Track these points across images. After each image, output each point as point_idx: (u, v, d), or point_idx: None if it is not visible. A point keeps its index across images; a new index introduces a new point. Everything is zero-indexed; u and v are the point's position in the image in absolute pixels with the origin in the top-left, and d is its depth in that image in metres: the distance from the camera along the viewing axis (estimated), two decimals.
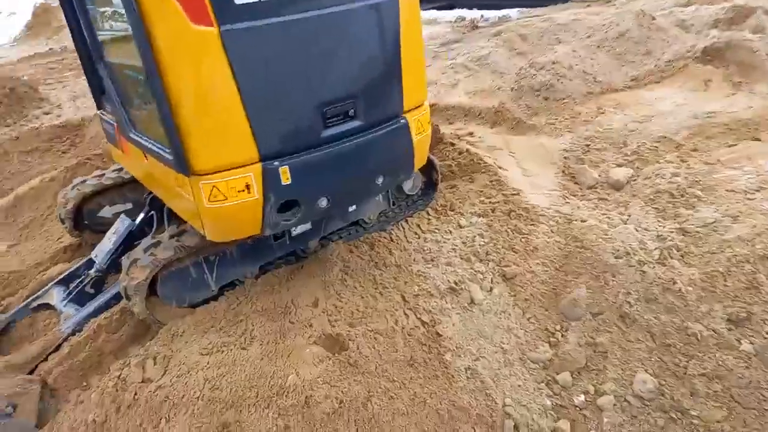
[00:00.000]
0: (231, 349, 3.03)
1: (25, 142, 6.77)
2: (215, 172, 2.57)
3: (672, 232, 3.60)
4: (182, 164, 2.55)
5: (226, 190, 2.62)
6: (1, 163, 6.49)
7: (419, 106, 3.22)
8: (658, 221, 3.77)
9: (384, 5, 2.78)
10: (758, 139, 4.62)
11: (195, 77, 2.42)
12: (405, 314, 3.33)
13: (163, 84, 2.39)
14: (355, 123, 2.91)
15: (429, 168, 4.42)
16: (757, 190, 3.80)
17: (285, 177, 2.68)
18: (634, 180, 4.34)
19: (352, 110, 2.87)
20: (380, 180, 3.20)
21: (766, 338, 2.87)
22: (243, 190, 2.63)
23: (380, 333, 3.13)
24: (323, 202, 2.95)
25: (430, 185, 4.52)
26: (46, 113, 8.15)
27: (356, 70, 2.82)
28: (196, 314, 3.32)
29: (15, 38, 15.61)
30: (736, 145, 4.55)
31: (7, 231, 5.02)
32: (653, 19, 7.58)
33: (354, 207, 4.24)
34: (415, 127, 3.20)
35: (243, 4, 2.37)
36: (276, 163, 2.66)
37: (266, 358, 2.97)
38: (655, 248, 3.48)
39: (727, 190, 3.83)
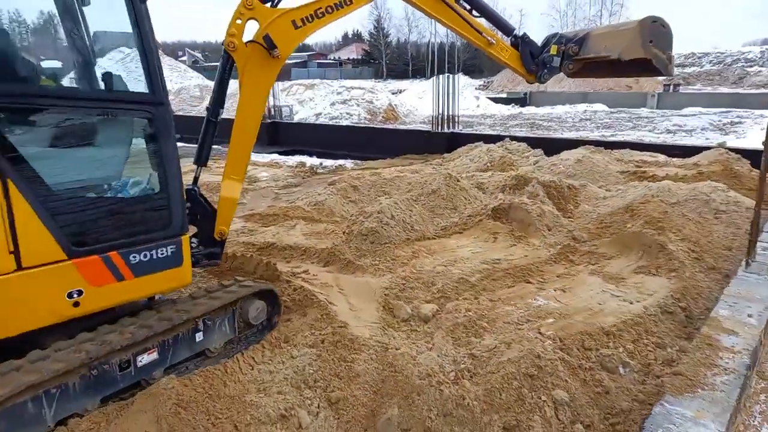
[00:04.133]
0: None
1: None
2: None
3: (465, 357, 4.42)
4: None
5: None
6: None
7: None
8: (455, 348, 4.58)
9: None
10: (529, 282, 5.91)
11: None
12: None
13: None
14: None
15: (272, 301, 4.87)
16: (526, 322, 4.88)
17: None
18: (439, 314, 5.23)
19: None
20: None
21: None
22: None
23: None
24: None
25: (272, 318, 4.93)
26: None
27: None
28: None
29: None
30: (513, 286, 5.77)
31: None
32: (458, 180, 9.33)
33: (201, 336, 4.44)
34: None
35: None
36: None
37: None
38: (451, 370, 4.23)
39: (504, 322, 4.85)
